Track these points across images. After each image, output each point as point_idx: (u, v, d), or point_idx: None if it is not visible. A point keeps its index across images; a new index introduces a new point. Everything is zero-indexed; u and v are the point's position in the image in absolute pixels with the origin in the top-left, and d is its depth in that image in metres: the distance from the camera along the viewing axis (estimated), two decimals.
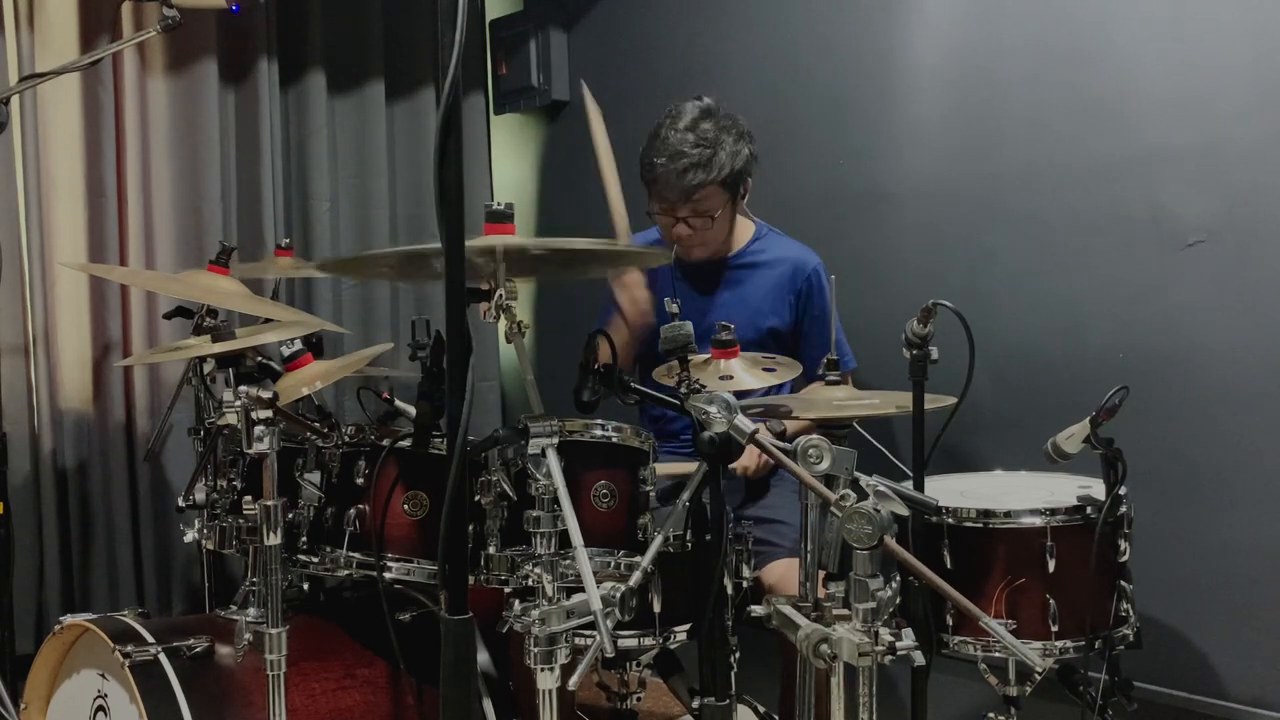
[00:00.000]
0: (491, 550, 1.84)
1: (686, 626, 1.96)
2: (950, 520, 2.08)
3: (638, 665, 2.02)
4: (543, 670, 1.67)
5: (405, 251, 2.07)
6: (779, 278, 2.68)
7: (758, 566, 2.31)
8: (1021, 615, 2.03)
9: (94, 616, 2.09)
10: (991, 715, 2.12)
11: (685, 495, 1.86)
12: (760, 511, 2.51)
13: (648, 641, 1.92)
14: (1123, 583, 2.06)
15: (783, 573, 2.33)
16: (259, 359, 2.24)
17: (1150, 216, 2.47)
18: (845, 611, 1.61)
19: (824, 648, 1.59)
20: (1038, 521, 2.04)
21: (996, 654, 2.05)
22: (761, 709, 2.30)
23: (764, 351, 2.63)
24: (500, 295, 1.78)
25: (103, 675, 2.05)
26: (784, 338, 2.68)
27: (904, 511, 1.88)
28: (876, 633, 1.53)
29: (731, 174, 2.55)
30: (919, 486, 2.07)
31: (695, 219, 2.58)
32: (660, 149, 2.55)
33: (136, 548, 3.21)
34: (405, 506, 1.91)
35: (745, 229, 2.74)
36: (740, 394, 1.86)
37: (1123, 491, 2.03)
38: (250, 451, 1.86)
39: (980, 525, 2.07)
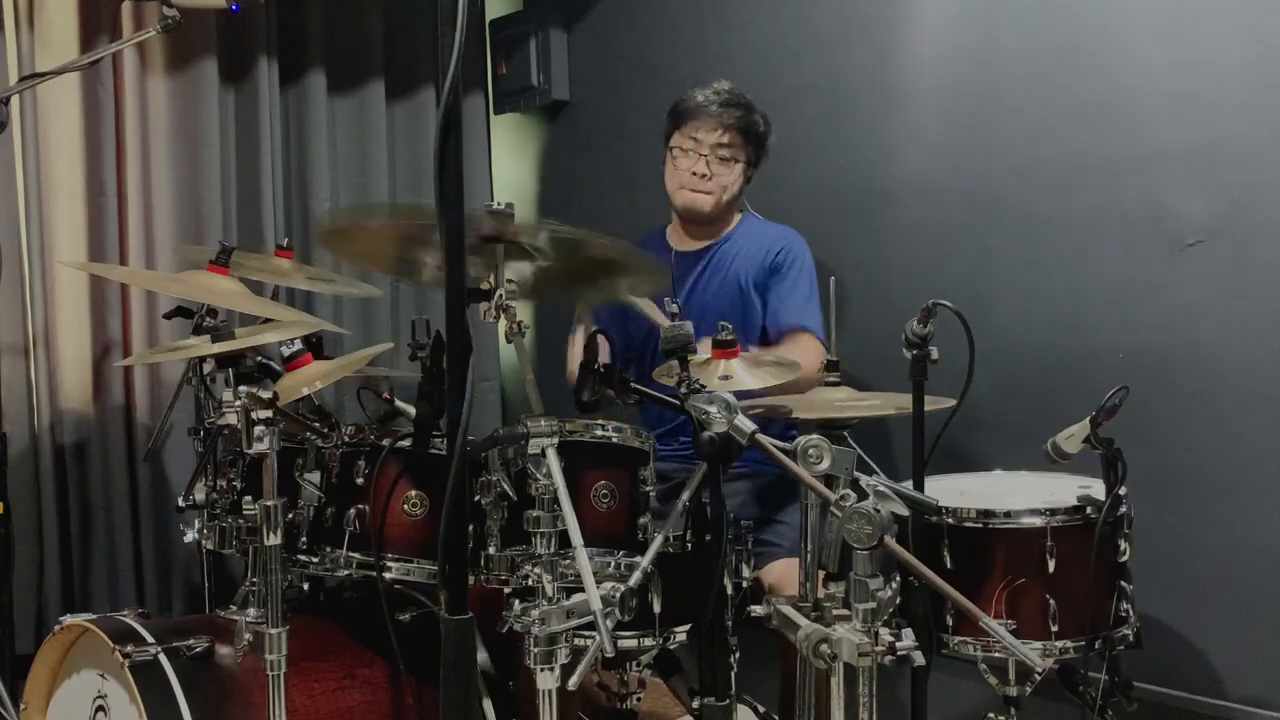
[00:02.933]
0: (491, 550, 1.84)
1: (686, 626, 1.96)
2: (950, 520, 2.08)
3: (638, 665, 2.02)
4: (543, 670, 1.68)
5: (409, 207, 2.05)
6: (757, 249, 2.72)
7: (758, 567, 2.30)
8: (1021, 615, 2.02)
9: (94, 616, 2.09)
10: (991, 715, 2.12)
11: (685, 495, 1.86)
12: (760, 513, 2.51)
13: (648, 641, 1.92)
14: (1123, 583, 2.06)
15: (782, 572, 2.33)
16: (259, 359, 2.24)
17: (1150, 216, 2.47)
18: (845, 611, 1.61)
19: (824, 648, 1.59)
20: (1038, 521, 2.04)
21: (996, 654, 2.05)
22: (761, 709, 2.30)
23: (754, 317, 2.67)
24: (500, 295, 1.78)
25: (103, 675, 2.05)
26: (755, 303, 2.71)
27: (904, 511, 1.88)
28: (876, 633, 1.53)
29: (758, 138, 2.69)
30: (919, 486, 2.07)
31: (717, 161, 2.66)
32: (702, 88, 2.69)
33: (136, 548, 3.21)
34: (405, 506, 1.91)
35: (734, 216, 2.80)
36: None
37: (1123, 491, 2.03)
38: (250, 451, 1.86)
39: (980, 525, 2.07)
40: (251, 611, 2.00)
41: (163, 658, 1.95)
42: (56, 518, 3.09)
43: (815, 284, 2.68)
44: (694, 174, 2.67)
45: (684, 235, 2.80)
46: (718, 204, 2.69)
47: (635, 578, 1.74)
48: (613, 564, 1.88)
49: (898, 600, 1.93)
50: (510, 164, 4.04)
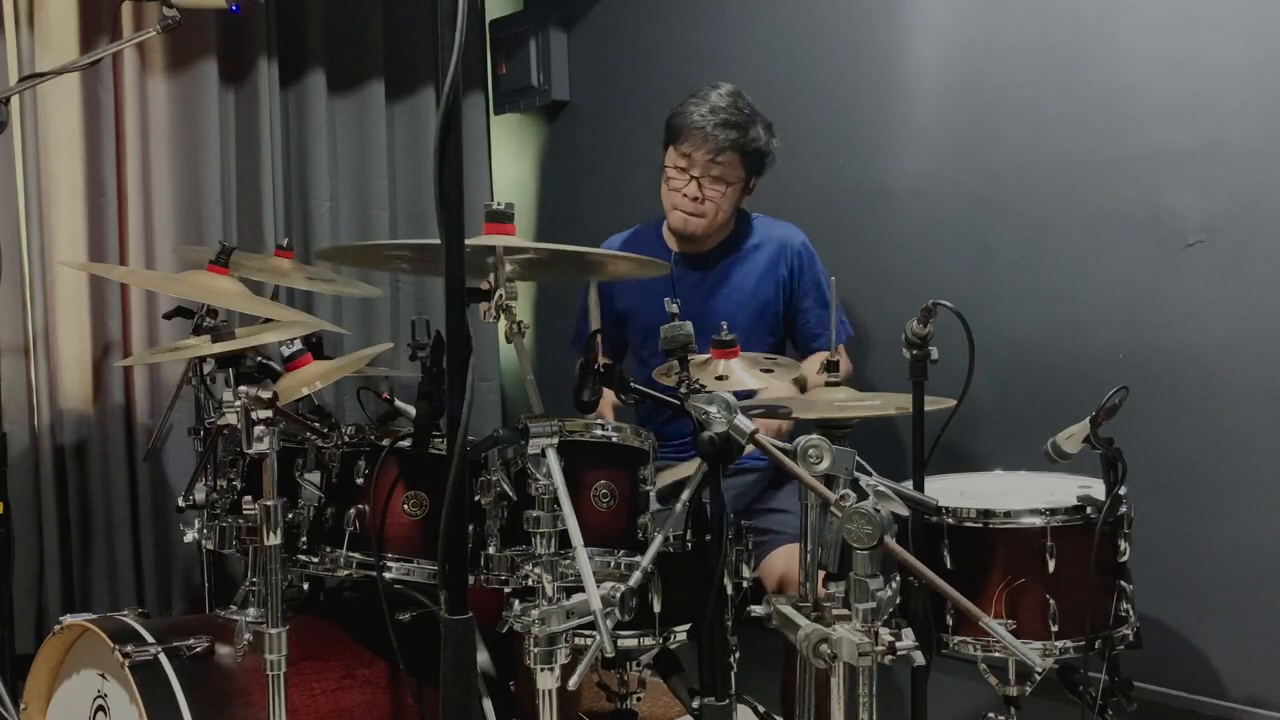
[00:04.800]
0: (491, 550, 1.84)
1: (686, 626, 1.96)
2: (950, 520, 2.08)
3: (638, 665, 2.02)
4: (543, 670, 1.68)
5: (411, 244, 2.08)
6: (766, 259, 2.72)
7: (761, 555, 2.30)
8: (1021, 615, 2.03)
9: (94, 616, 2.09)
10: (991, 715, 2.12)
11: (685, 495, 1.86)
12: (762, 504, 2.51)
13: (648, 641, 1.92)
14: (1123, 583, 2.06)
15: (788, 558, 2.32)
16: (259, 359, 2.24)
17: (1150, 216, 2.47)
18: (845, 611, 1.61)
19: (824, 648, 1.59)
20: (1038, 521, 2.04)
21: (996, 654, 2.05)
22: (761, 709, 2.30)
23: (763, 329, 2.67)
24: (500, 295, 1.78)
25: (103, 675, 2.05)
26: (777, 315, 2.73)
27: (904, 511, 1.88)
28: (876, 633, 1.53)
29: (756, 154, 2.62)
30: (919, 486, 2.07)
31: (710, 182, 2.60)
32: (699, 103, 2.61)
33: (136, 548, 3.21)
34: (405, 506, 1.91)
35: (734, 219, 2.77)
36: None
37: (1123, 491, 2.03)
38: (250, 451, 1.86)
39: (980, 525, 2.07)
40: (251, 611, 2.00)
41: (163, 658, 1.95)
42: (56, 518, 3.08)
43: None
44: (685, 195, 2.63)
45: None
46: (710, 225, 2.65)
47: (635, 578, 1.74)
48: (613, 564, 1.88)
49: (898, 600, 1.93)
50: (510, 164, 4.04)
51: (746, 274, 2.71)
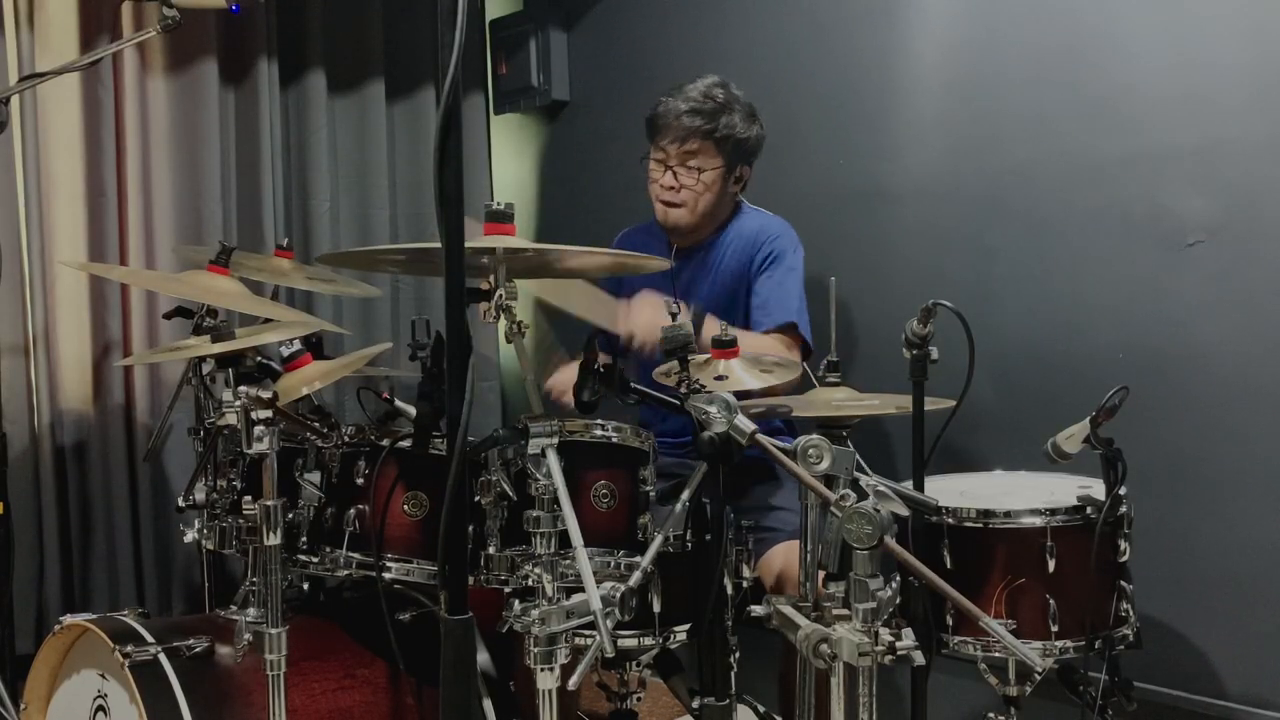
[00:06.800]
0: (491, 550, 1.84)
1: (686, 626, 1.96)
2: (950, 520, 2.08)
3: (638, 665, 2.02)
4: (543, 670, 1.68)
5: (409, 249, 2.09)
6: (744, 247, 2.70)
7: (759, 552, 2.30)
8: (1021, 615, 2.03)
9: (94, 616, 2.09)
10: (991, 715, 2.12)
11: (685, 495, 1.86)
12: (760, 501, 2.51)
13: (648, 641, 1.92)
14: (1123, 583, 2.06)
15: (785, 555, 2.32)
16: (259, 359, 2.24)
17: (1150, 216, 2.47)
18: (845, 611, 1.61)
19: (824, 648, 1.59)
20: (1038, 521, 2.04)
21: (996, 654, 2.05)
22: (761, 709, 2.30)
23: (738, 318, 2.63)
24: (500, 295, 1.78)
25: (103, 675, 2.05)
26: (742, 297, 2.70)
27: (904, 511, 1.88)
28: (876, 633, 1.53)
29: (731, 141, 2.61)
30: (919, 486, 2.07)
31: (684, 171, 2.60)
32: (673, 92, 2.63)
33: (136, 548, 3.21)
34: (405, 506, 1.91)
35: (728, 210, 2.75)
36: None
37: (1123, 491, 2.03)
38: (250, 451, 1.86)
39: (980, 525, 2.07)
40: (251, 611, 2.00)
41: (163, 658, 1.95)
42: (56, 518, 3.08)
43: (801, 278, 2.66)
44: (663, 186, 2.64)
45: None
46: (693, 213, 2.64)
47: (635, 578, 1.74)
48: (613, 564, 1.88)
49: (898, 600, 1.93)
50: (510, 164, 4.04)
51: (724, 262, 2.70)
